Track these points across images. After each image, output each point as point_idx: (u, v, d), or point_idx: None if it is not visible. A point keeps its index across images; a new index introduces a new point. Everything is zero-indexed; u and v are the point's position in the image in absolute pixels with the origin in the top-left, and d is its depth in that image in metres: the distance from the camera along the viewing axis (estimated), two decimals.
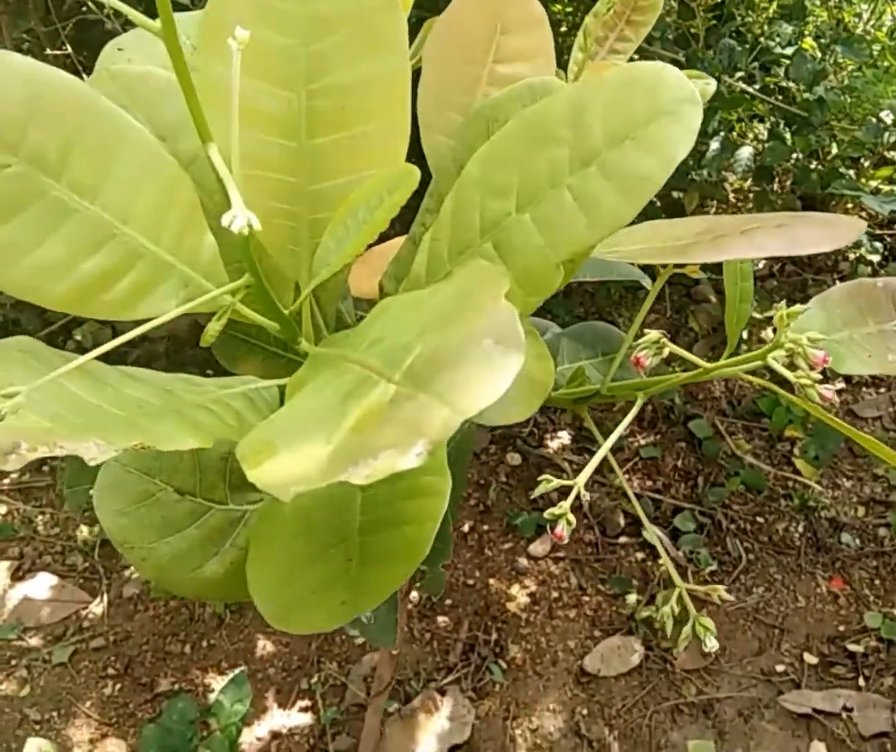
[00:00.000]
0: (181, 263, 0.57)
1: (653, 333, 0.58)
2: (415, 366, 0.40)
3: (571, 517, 0.58)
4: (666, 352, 0.58)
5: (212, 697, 1.92)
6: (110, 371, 0.57)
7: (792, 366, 0.57)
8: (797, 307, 0.56)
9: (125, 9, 0.48)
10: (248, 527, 0.66)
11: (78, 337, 2.33)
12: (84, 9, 2.24)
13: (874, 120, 2.46)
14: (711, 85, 0.87)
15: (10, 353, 0.53)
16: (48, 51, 2.17)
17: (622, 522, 2.22)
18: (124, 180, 0.56)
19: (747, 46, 2.58)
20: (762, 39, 2.71)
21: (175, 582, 0.64)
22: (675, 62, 2.55)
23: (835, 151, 2.65)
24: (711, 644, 0.63)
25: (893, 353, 0.75)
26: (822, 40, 2.71)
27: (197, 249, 0.58)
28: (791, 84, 2.75)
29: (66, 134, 0.55)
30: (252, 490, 0.67)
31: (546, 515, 0.58)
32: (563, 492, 0.60)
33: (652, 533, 0.77)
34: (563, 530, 0.57)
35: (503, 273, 0.42)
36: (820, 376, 0.54)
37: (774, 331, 0.56)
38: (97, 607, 2.14)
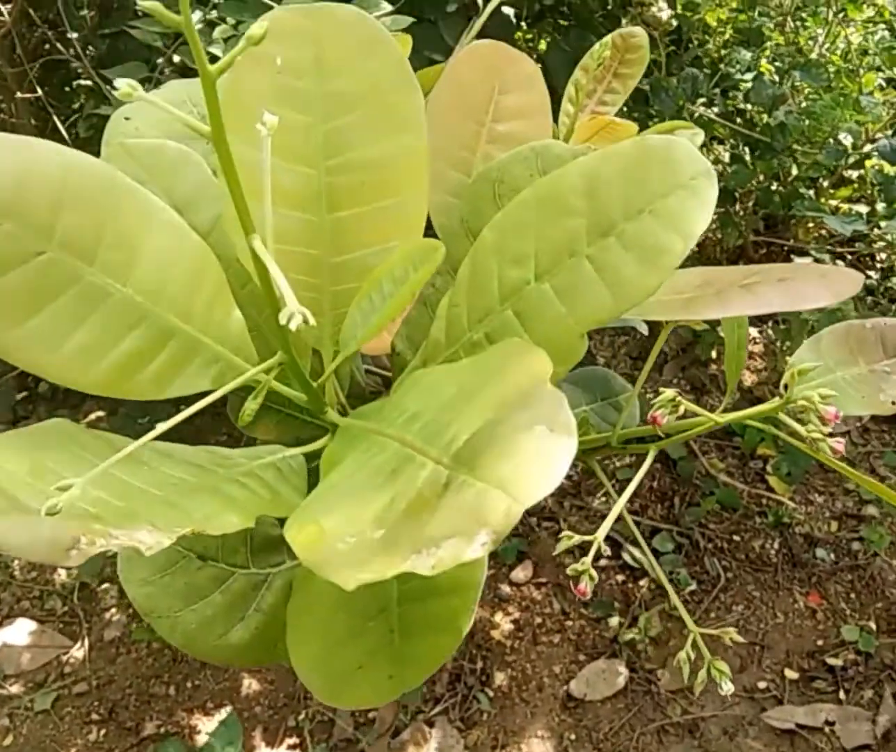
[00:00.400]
0: (211, 339, 0.58)
1: (668, 392, 0.61)
2: (465, 450, 0.42)
3: (594, 573, 0.60)
4: (682, 410, 0.61)
5: (199, 739, 1.91)
6: (141, 447, 0.58)
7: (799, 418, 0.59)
8: (807, 364, 0.58)
9: (178, 114, 0.49)
10: (272, 591, 0.67)
11: None
12: (48, 47, 2.24)
13: (832, 142, 2.52)
14: (699, 136, 0.90)
15: (48, 438, 0.54)
16: (18, 94, 2.16)
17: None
18: (154, 260, 0.57)
19: (707, 73, 2.64)
20: (721, 66, 2.77)
21: (203, 650, 0.65)
22: (640, 91, 2.60)
23: (795, 172, 2.71)
24: (727, 688, 0.65)
25: (885, 393, 0.78)
26: (780, 65, 2.78)
27: (225, 324, 0.59)
28: (750, 107, 2.82)
29: (96, 218, 0.56)
30: (273, 553, 0.68)
31: (569, 571, 0.60)
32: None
33: (651, 564, 0.79)
34: (585, 586, 0.59)
35: (544, 356, 0.43)
36: (830, 430, 0.57)
37: (785, 387, 0.59)
38: (78, 652, 2.12)
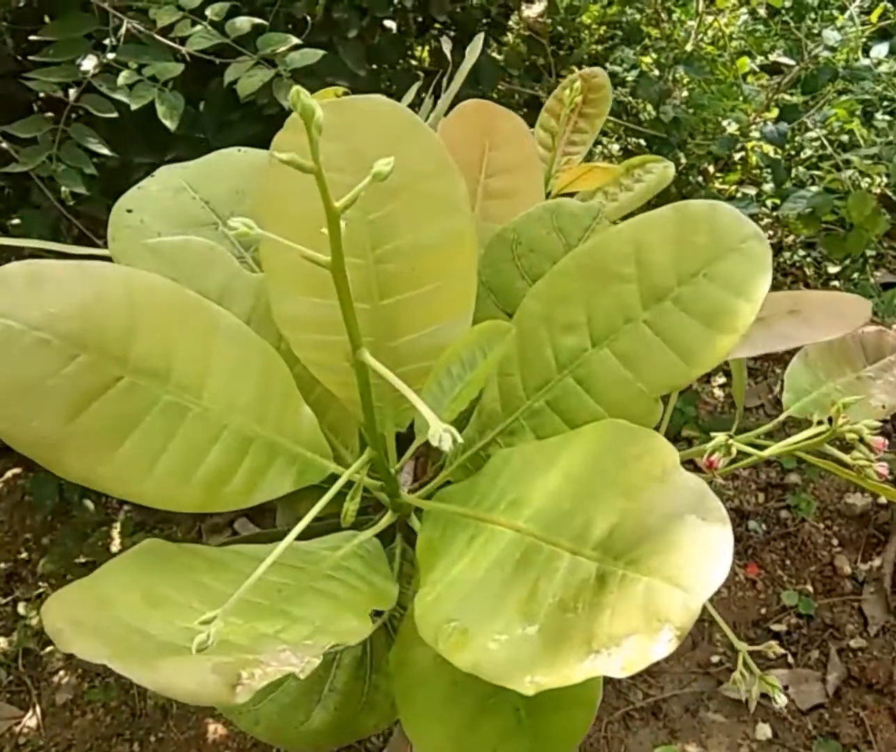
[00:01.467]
0: (288, 440, 0.59)
1: (721, 437, 0.64)
2: (614, 542, 0.44)
3: None
4: (734, 451, 0.65)
5: None
6: (228, 555, 0.58)
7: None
8: (850, 398, 0.63)
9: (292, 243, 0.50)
10: (342, 669, 0.69)
11: None
12: None
13: (721, 131, 2.64)
14: (670, 169, 0.95)
15: (147, 561, 0.54)
16: None
17: None
18: (224, 370, 0.58)
19: None
20: (607, 65, 2.85)
21: (289, 739, 0.65)
22: (535, 98, 2.67)
23: (684, 162, 2.82)
24: (781, 700, 0.69)
25: (875, 398, 0.84)
26: (661, 60, 2.88)
27: (298, 423, 0.60)
28: (638, 103, 2.92)
29: (166, 336, 0.56)
30: None
31: None
32: None
33: None
34: None
35: (665, 441, 0.46)
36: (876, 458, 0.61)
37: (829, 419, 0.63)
38: (31, 720, 2.05)
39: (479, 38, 0.95)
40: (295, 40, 1.77)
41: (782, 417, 0.78)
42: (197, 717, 2.03)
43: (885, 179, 2.78)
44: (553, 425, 0.61)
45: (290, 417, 0.60)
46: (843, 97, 2.90)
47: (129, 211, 0.77)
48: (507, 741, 0.54)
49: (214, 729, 2.01)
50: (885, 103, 3.22)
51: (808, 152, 2.93)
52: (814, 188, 2.61)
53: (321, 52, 1.85)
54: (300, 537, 0.64)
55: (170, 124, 1.75)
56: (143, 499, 0.54)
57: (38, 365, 0.52)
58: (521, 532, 0.50)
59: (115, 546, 2.30)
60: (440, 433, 0.43)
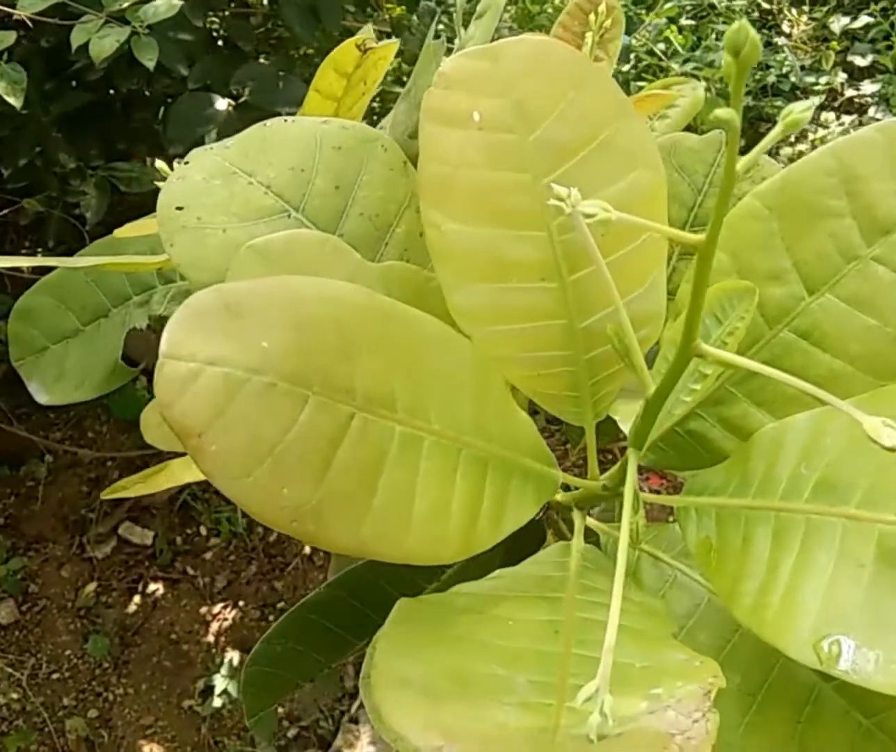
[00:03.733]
0: (515, 453, 0.50)
1: None
2: None
3: None
4: None
5: None
6: (461, 599, 0.49)
7: None
8: None
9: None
10: None
11: None
12: None
13: None
14: (699, 89, 0.89)
15: (413, 629, 0.44)
16: None
17: None
18: (441, 383, 0.49)
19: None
20: None
21: None
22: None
23: None
24: None
25: None
26: None
27: (517, 432, 0.52)
28: None
29: (381, 355, 0.47)
30: None
31: None
32: None
33: None
34: None
35: None
36: None
37: None
38: None
39: None
40: None
41: None
42: (128, 741, 1.87)
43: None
44: (775, 388, 0.55)
45: (510, 426, 0.51)
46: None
47: (180, 208, 0.64)
48: (857, 749, 0.49)
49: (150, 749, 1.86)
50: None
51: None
52: None
53: (179, 3, 1.67)
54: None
55: (14, 102, 1.54)
56: (408, 556, 0.44)
57: (273, 417, 0.41)
58: (861, 520, 0.44)
59: None
60: (883, 430, 0.36)
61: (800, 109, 0.35)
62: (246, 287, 0.44)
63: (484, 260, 0.54)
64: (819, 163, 0.56)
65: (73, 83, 1.92)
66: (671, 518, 0.57)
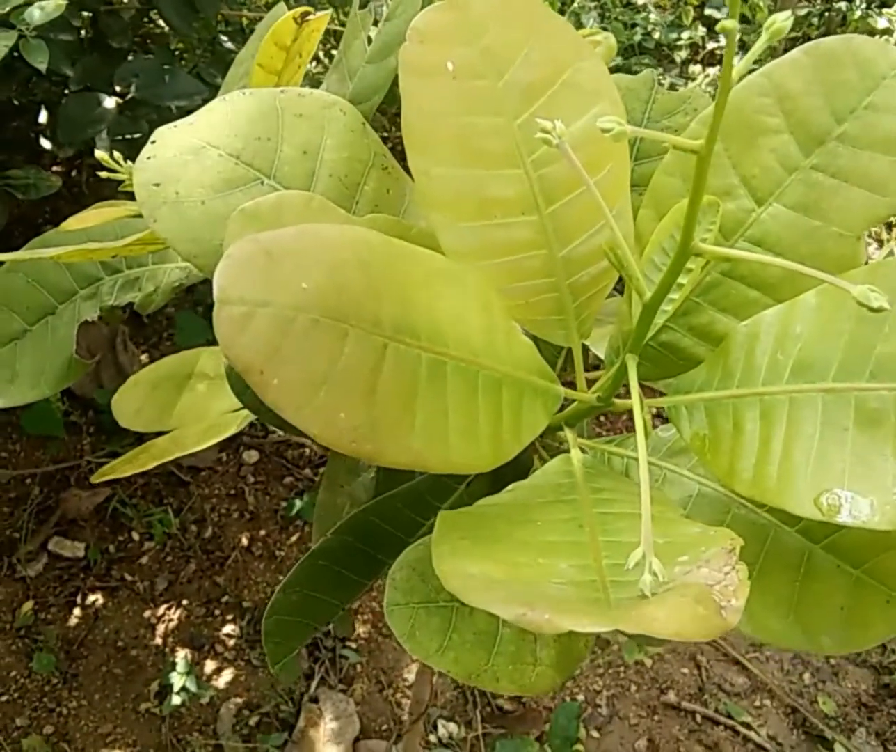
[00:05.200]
0: (524, 372, 0.55)
1: None
2: None
3: None
4: None
5: None
6: (493, 509, 0.53)
7: None
8: None
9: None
10: None
11: None
12: None
13: None
14: (611, 38, 0.95)
15: (455, 533, 0.48)
16: None
17: None
18: (454, 314, 0.53)
19: None
20: None
21: None
22: None
23: None
24: None
25: None
26: None
27: (522, 353, 0.56)
28: None
29: (401, 290, 0.50)
30: None
31: None
32: None
33: None
34: None
35: None
36: None
37: None
38: None
39: None
40: None
41: None
42: None
43: None
44: (737, 293, 0.61)
45: (515, 348, 0.56)
46: None
47: (157, 185, 0.66)
48: (852, 595, 0.55)
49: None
50: None
51: None
52: None
53: (64, 3, 1.65)
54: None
55: None
56: (451, 466, 0.49)
57: (322, 350, 0.44)
58: (838, 391, 0.50)
59: None
60: (870, 295, 0.42)
61: (782, 19, 0.41)
62: (281, 235, 0.46)
63: (469, 200, 0.58)
64: (754, 85, 0.62)
65: None
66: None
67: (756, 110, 0.61)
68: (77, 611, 2.01)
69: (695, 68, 3.14)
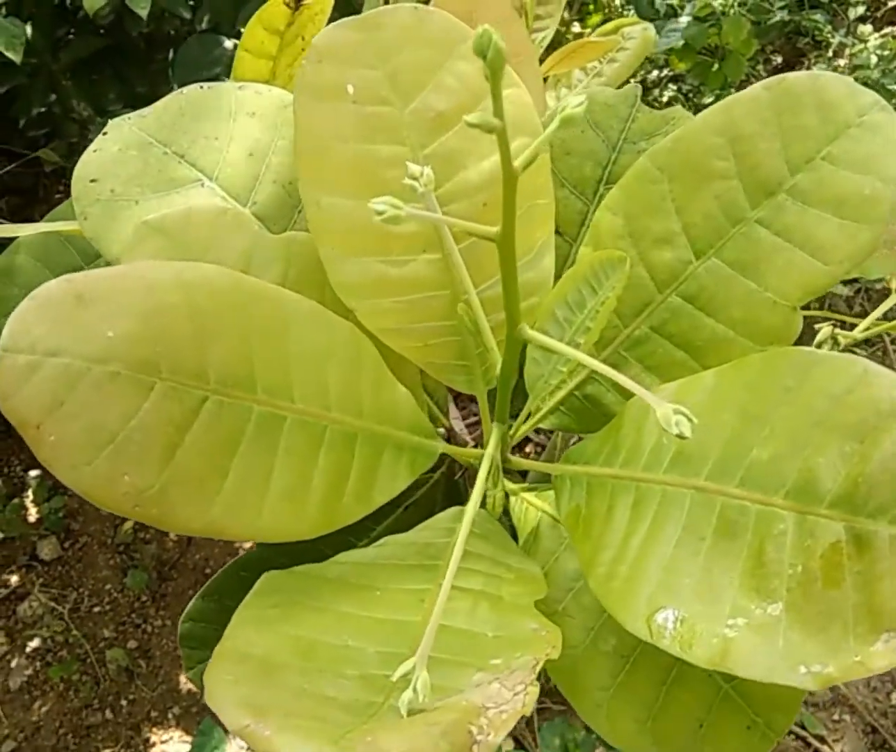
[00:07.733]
0: (390, 427, 0.52)
1: (826, 328, 0.60)
2: (862, 496, 0.39)
3: None
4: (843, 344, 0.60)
5: (156, 750, 1.82)
6: (341, 569, 0.51)
7: None
8: None
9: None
10: None
11: None
12: None
13: None
14: (650, 30, 0.87)
15: (274, 600, 0.46)
16: None
17: None
18: (308, 361, 0.50)
19: None
20: None
21: None
22: None
23: None
24: None
25: None
26: None
27: (395, 405, 0.53)
28: None
29: (239, 335, 0.48)
30: None
31: None
32: None
33: None
34: None
35: (882, 371, 0.41)
36: None
37: None
38: None
39: None
40: None
41: None
42: (165, 670, 1.95)
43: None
44: (664, 352, 0.55)
45: (385, 400, 0.52)
46: None
47: (94, 181, 0.65)
48: (714, 711, 0.50)
49: (185, 681, 1.93)
50: None
51: None
52: (683, 20, 2.58)
53: None
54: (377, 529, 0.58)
55: (14, 56, 1.56)
56: (261, 534, 0.46)
57: (114, 406, 0.43)
58: (708, 492, 0.45)
59: (32, 516, 2.15)
60: (672, 418, 0.36)
61: (574, 104, 0.35)
62: (97, 275, 0.45)
63: (364, 234, 0.54)
64: (709, 122, 0.56)
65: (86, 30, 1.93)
66: None
67: (706, 151, 0.55)
68: (173, 535, 2.11)
69: (864, 28, 2.89)
